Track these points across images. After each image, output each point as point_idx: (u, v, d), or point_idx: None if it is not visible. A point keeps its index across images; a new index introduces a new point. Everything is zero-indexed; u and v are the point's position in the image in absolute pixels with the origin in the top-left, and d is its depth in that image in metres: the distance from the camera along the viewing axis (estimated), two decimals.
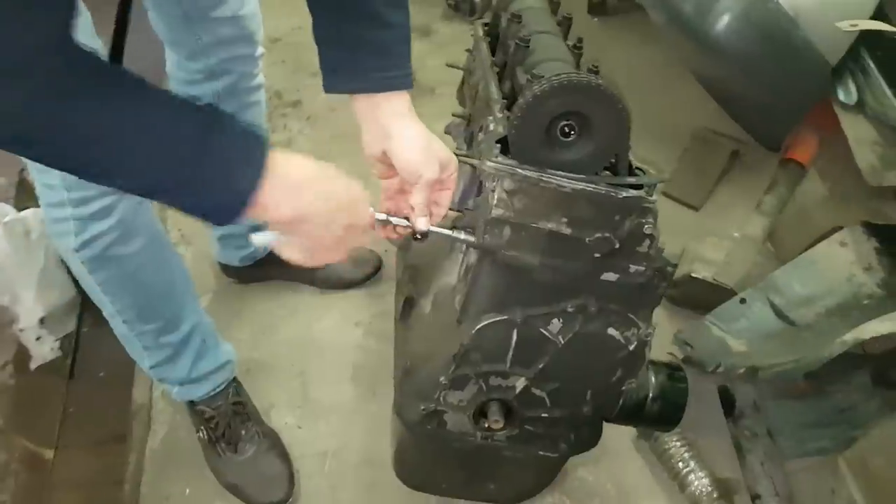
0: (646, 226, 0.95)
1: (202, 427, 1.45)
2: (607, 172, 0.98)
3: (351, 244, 0.87)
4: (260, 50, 1.42)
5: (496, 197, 0.94)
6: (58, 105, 0.63)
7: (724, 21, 1.69)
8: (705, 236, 1.71)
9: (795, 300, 1.50)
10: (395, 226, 0.95)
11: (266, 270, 1.71)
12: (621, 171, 0.97)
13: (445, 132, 1.44)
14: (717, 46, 1.71)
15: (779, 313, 1.50)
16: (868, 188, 1.72)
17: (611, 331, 1.05)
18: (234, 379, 1.48)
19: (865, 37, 1.76)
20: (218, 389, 1.44)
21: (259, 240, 0.88)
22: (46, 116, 0.63)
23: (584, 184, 0.92)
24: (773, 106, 1.82)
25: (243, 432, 1.44)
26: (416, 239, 0.97)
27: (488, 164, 0.93)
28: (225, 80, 1.38)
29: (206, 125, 0.71)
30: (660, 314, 1.71)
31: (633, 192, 0.93)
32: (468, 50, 1.40)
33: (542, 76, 0.92)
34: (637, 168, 0.98)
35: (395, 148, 0.94)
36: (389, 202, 1.01)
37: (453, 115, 1.35)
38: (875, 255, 1.54)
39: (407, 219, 0.95)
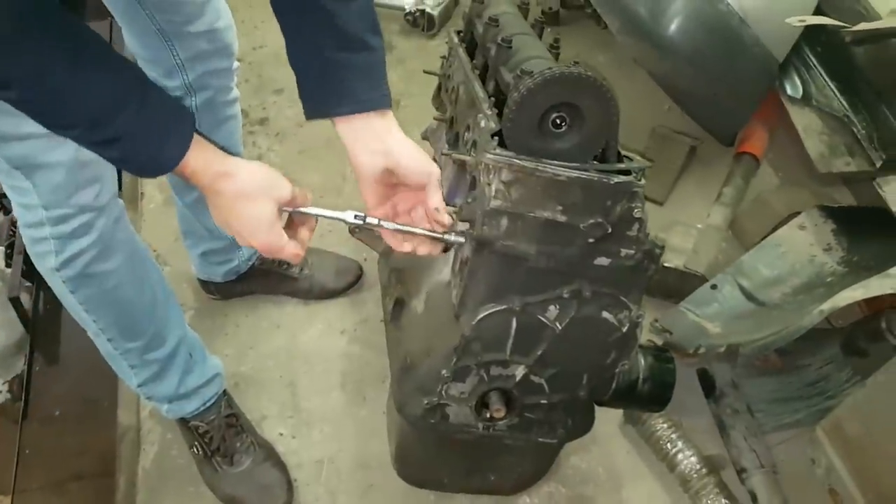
0: (635, 210, 1.01)
1: (196, 443, 1.44)
2: (595, 161, 1.03)
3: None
4: (236, 63, 1.43)
5: (494, 188, 0.98)
6: (33, 41, 0.73)
7: (676, 22, 1.78)
8: (673, 225, 1.78)
9: (763, 282, 1.58)
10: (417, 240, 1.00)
11: (248, 284, 1.71)
12: (610, 158, 1.01)
13: (423, 137, 1.48)
14: (671, 47, 1.79)
15: (748, 295, 1.57)
16: (818, 175, 1.82)
17: (605, 314, 1.09)
18: (225, 391, 1.48)
19: (807, 34, 1.88)
20: (209, 403, 1.44)
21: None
22: (24, 50, 0.73)
23: (577, 172, 0.97)
24: (725, 102, 1.90)
25: (238, 444, 1.43)
26: (446, 248, 1.01)
27: (487, 156, 0.97)
28: (202, 96, 1.37)
29: (143, 84, 0.82)
30: None
31: (623, 178, 0.98)
32: (443, 57, 1.45)
33: (531, 72, 0.96)
34: (624, 155, 1.03)
35: (400, 159, 0.96)
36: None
37: (434, 118, 1.40)
38: (832, 235, 1.64)
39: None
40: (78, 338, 1.37)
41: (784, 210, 1.79)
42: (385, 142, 0.98)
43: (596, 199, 0.98)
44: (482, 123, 1.06)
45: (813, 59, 1.98)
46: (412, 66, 2.36)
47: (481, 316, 1.07)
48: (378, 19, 0.99)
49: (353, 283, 1.75)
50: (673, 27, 1.78)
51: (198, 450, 1.44)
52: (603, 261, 1.04)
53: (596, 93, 0.93)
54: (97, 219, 1.12)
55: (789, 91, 1.93)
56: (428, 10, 2.37)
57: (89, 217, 1.11)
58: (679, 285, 1.67)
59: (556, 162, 0.96)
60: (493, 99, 1.13)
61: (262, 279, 1.71)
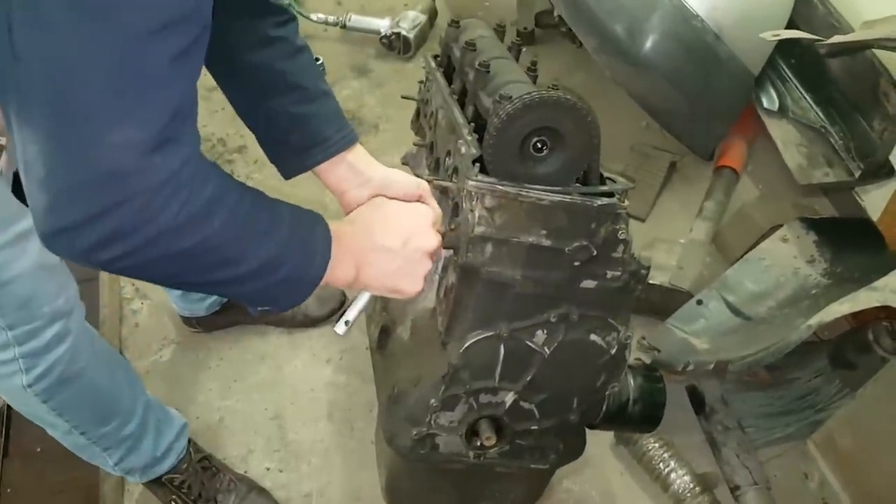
0: (619, 231, 1.00)
1: (173, 498, 1.38)
2: (577, 184, 1.03)
3: (420, 267, 0.90)
4: None
5: (477, 215, 0.97)
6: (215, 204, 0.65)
7: (652, 40, 1.79)
8: (656, 242, 1.78)
9: (748, 296, 1.58)
10: None
11: (230, 316, 1.68)
12: (592, 180, 1.01)
13: (402, 163, 1.47)
14: (648, 65, 1.80)
15: (734, 310, 1.57)
16: (799, 187, 1.83)
17: (593, 337, 1.08)
18: (190, 439, 1.43)
19: (781, 47, 1.90)
20: (181, 455, 1.39)
21: (343, 328, 0.93)
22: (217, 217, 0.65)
23: (560, 195, 0.96)
24: (703, 117, 1.92)
25: (218, 485, 1.40)
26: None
27: (470, 183, 0.96)
28: None
29: (288, 213, 0.76)
30: None
31: (606, 200, 0.97)
32: (420, 82, 1.44)
33: (510, 96, 0.96)
34: (607, 177, 1.03)
35: (386, 182, 1.00)
36: None
37: (414, 143, 1.39)
38: (815, 247, 1.64)
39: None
40: None
41: (766, 223, 1.80)
42: (365, 173, 1.02)
43: (580, 222, 0.98)
44: (463, 149, 1.05)
45: (788, 72, 2.00)
46: (390, 89, 2.36)
47: (468, 343, 1.06)
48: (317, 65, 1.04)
49: (336, 309, 1.73)
50: (649, 45, 1.79)
51: (178, 503, 1.39)
52: (589, 283, 1.03)
53: (576, 116, 0.92)
54: (69, 320, 1.06)
55: (766, 104, 1.95)
56: (403, 32, 2.37)
57: (61, 324, 1.05)
58: (665, 302, 1.67)
59: (538, 186, 0.96)
60: (472, 124, 1.12)
61: (245, 309, 1.68)
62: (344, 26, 2.41)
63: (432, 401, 1.10)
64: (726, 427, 1.47)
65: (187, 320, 1.69)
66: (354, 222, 0.91)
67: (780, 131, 1.92)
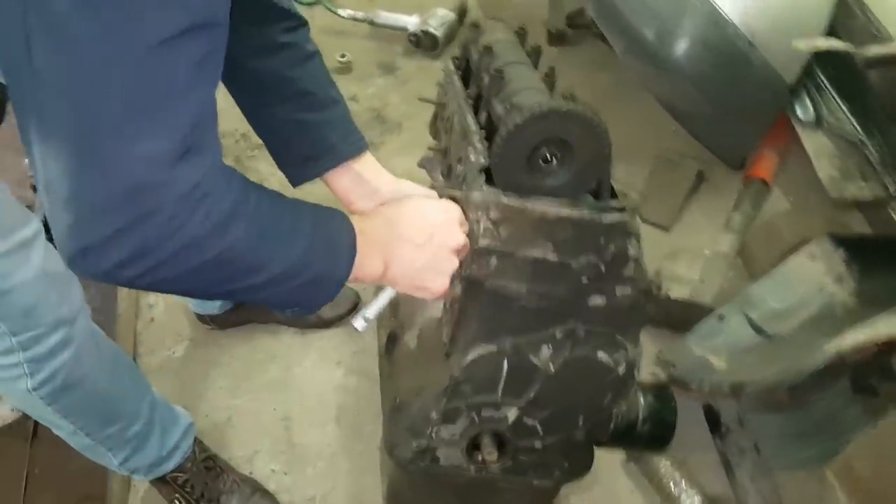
0: (630, 248, 0.96)
1: (177, 496, 1.38)
2: (590, 197, 0.99)
3: (446, 263, 0.90)
4: None
5: (482, 227, 0.94)
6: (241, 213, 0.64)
7: (682, 45, 1.74)
8: (679, 254, 1.73)
9: (771, 314, 1.53)
10: None
11: (243, 314, 1.68)
12: (603, 194, 0.98)
13: (419, 166, 1.45)
14: (677, 70, 1.75)
15: (755, 327, 1.52)
16: (831, 201, 1.77)
17: (600, 354, 1.05)
18: (196, 438, 1.42)
19: (818, 55, 1.83)
20: (187, 454, 1.38)
21: (361, 324, 0.94)
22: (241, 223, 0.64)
23: (568, 209, 0.93)
24: (733, 125, 1.86)
25: (221, 485, 1.39)
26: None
27: (474, 194, 0.93)
28: None
29: (310, 213, 0.75)
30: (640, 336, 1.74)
31: (616, 216, 0.94)
32: (439, 84, 1.41)
33: (521, 105, 0.93)
34: (618, 191, 0.99)
35: (395, 193, 1.01)
36: None
37: (429, 148, 1.36)
38: (844, 266, 1.58)
39: None
40: None
41: (794, 237, 1.74)
42: (372, 184, 1.02)
43: (588, 237, 0.94)
44: (472, 157, 1.03)
45: (825, 82, 1.93)
46: (415, 87, 2.34)
47: (471, 357, 1.03)
48: (328, 71, 1.02)
49: (350, 311, 1.72)
50: (679, 50, 1.74)
51: (179, 502, 1.38)
52: (597, 300, 1.00)
53: (587, 127, 0.89)
54: (73, 328, 1.06)
55: (800, 114, 1.88)
56: (431, 30, 2.34)
57: (65, 332, 1.04)
58: (685, 316, 1.62)
59: (546, 199, 0.93)
60: (484, 131, 1.09)
61: (258, 308, 1.68)
62: (372, 22, 2.40)
63: (433, 413, 1.08)
64: (741, 448, 1.42)
65: (201, 317, 1.69)
66: (377, 217, 0.89)
67: (813, 143, 1.85)
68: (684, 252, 1.74)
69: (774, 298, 1.54)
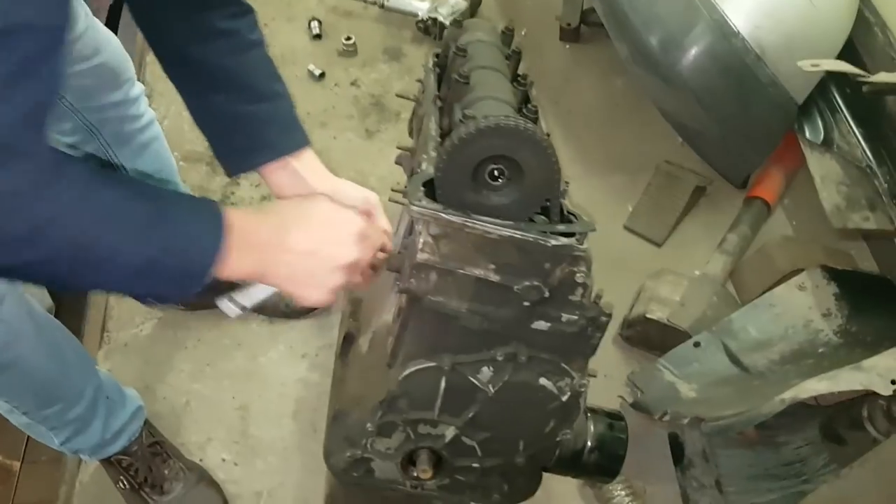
0: (578, 274, 0.91)
1: (121, 477, 1.37)
2: (543, 217, 0.94)
3: (328, 278, 0.84)
4: (136, 89, 1.34)
5: (422, 241, 0.90)
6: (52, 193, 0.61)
7: (688, 56, 1.67)
8: (663, 274, 1.67)
9: (750, 344, 1.47)
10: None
11: (211, 297, 1.65)
12: (553, 217, 0.93)
13: (396, 163, 1.40)
14: (681, 81, 1.68)
15: (733, 358, 1.46)
16: (838, 229, 1.69)
17: (542, 381, 1.00)
18: (146, 421, 1.41)
19: (834, 73, 1.74)
20: (133, 438, 1.36)
21: (232, 310, 0.88)
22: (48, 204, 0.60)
23: (510, 230, 0.88)
24: (736, 143, 1.79)
25: (166, 471, 1.37)
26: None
27: (413, 207, 0.89)
28: (108, 131, 1.30)
29: (156, 203, 0.71)
30: (615, 354, 1.69)
31: (563, 241, 0.89)
32: (419, 80, 1.36)
33: (473, 117, 0.88)
34: (570, 213, 0.94)
35: (333, 194, 0.93)
36: None
37: (397, 146, 1.31)
38: (834, 300, 1.51)
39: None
40: None
41: (787, 265, 1.66)
42: (309, 182, 0.97)
43: (532, 260, 0.90)
44: (423, 166, 0.98)
45: (840, 102, 1.84)
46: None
47: (408, 372, 1.00)
48: (274, 64, 0.97)
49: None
50: (683, 61, 1.67)
51: (124, 484, 1.37)
52: (541, 325, 0.95)
53: (534, 147, 0.84)
54: None
55: (809, 134, 1.81)
56: (440, 18, 2.28)
57: None
58: (661, 338, 1.56)
59: (487, 218, 0.88)
60: (441, 139, 1.05)
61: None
62: (383, 6, 2.34)
63: (369, 425, 1.05)
64: (702, 484, 1.37)
65: None
66: (270, 214, 0.85)
67: (820, 166, 1.77)
68: (670, 271, 1.68)
69: (756, 328, 1.48)
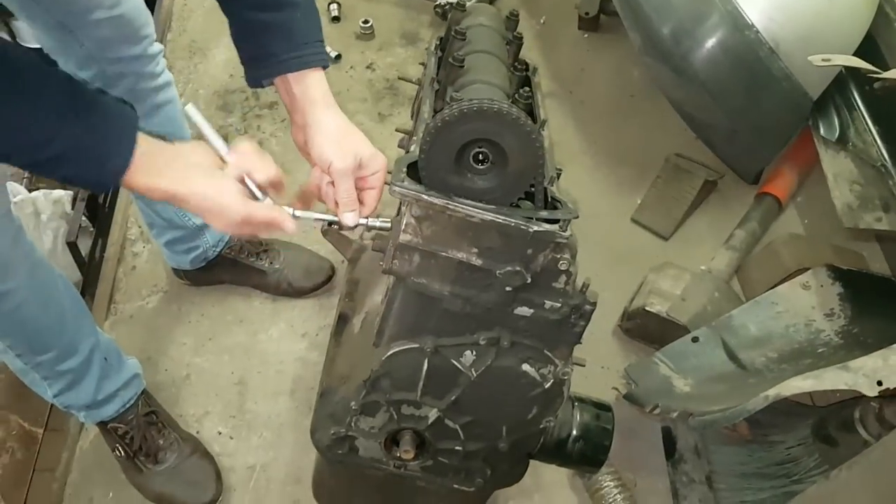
0: (561, 261, 0.91)
1: (117, 445, 1.40)
2: (529, 203, 0.94)
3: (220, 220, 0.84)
4: (154, 47, 1.34)
5: (404, 222, 0.90)
6: None
7: (700, 47, 1.64)
8: (666, 267, 1.65)
9: (749, 341, 1.45)
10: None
11: (216, 273, 1.67)
12: (537, 203, 0.92)
13: (398, 146, 1.41)
14: (692, 73, 1.66)
15: (730, 354, 1.44)
16: (850, 228, 1.66)
17: (525, 367, 1.00)
18: (144, 391, 1.43)
19: (852, 69, 1.70)
20: (128, 405, 1.39)
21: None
22: None
23: (492, 214, 0.88)
24: (747, 138, 1.76)
25: (161, 441, 1.40)
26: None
27: (395, 187, 0.89)
28: (122, 86, 1.30)
29: (76, 101, 0.74)
30: (613, 346, 1.68)
31: (545, 227, 0.88)
32: (422, 63, 1.36)
33: (461, 99, 0.88)
34: (555, 200, 0.94)
35: (310, 134, 0.93)
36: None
37: (397, 129, 1.32)
38: (838, 300, 1.48)
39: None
40: None
41: (793, 263, 1.64)
42: (305, 113, 0.94)
43: (514, 245, 0.89)
44: (412, 148, 0.99)
45: (857, 99, 1.80)
46: None
47: (391, 352, 1.00)
48: None
49: (322, 283, 1.70)
50: (695, 52, 1.65)
51: (120, 451, 1.40)
52: (524, 311, 0.95)
53: (517, 131, 0.83)
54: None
55: (824, 131, 1.77)
56: (460, 2, 2.27)
57: None
58: (660, 332, 1.55)
59: (469, 202, 0.88)
60: None
61: (231, 269, 1.67)
62: None
63: (353, 403, 1.06)
64: (692, 479, 1.36)
65: (176, 272, 1.69)
66: (178, 159, 0.83)
67: (834, 164, 1.74)
68: (673, 264, 1.66)
69: (756, 325, 1.47)
